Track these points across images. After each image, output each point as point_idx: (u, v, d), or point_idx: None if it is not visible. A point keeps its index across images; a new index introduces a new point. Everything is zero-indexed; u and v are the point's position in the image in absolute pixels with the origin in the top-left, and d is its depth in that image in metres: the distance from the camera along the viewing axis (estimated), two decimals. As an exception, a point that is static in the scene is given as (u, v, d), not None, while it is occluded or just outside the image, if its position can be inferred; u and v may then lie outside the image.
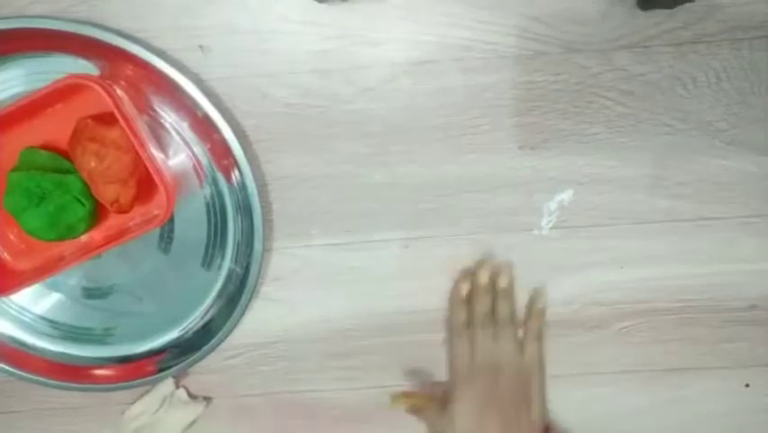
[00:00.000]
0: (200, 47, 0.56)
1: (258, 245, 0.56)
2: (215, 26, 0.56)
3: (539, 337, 0.59)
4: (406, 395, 0.59)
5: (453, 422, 0.55)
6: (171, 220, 0.58)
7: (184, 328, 0.60)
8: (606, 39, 0.56)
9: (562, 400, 0.60)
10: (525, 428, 0.56)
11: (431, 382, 0.61)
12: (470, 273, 0.59)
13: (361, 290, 0.60)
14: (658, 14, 0.55)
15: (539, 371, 0.58)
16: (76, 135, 0.53)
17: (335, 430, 0.63)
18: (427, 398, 0.58)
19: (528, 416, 0.56)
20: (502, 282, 0.59)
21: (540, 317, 0.59)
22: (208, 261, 0.59)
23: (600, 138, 0.57)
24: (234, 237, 0.58)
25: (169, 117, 0.57)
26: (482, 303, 0.58)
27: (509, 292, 0.59)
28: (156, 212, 0.56)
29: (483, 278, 0.59)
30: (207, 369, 0.61)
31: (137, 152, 0.52)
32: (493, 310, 0.58)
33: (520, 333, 0.58)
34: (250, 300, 0.58)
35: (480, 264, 0.59)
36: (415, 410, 0.58)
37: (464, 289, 0.59)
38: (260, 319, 0.60)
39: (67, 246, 0.57)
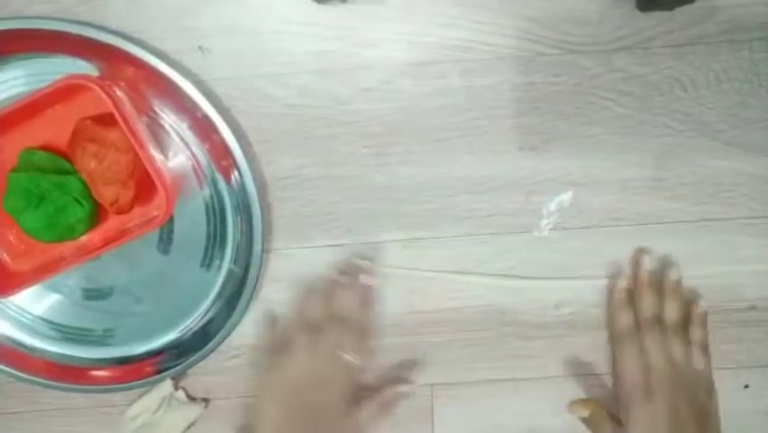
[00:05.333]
0: (200, 48, 0.56)
1: (257, 246, 0.56)
2: (215, 27, 0.56)
3: (707, 351, 0.55)
4: (587, 404, 0.56)
5: None
6: (171, 221, 0.58)
7: (183, 329, 0.60)
8: (605, 40, 0.56)
9: (562, 401, 0.60)
10: None
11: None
12: (628, 271, 0.56)
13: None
14: (658, 16, 0.55)
15: (713, 389, 0.54)
16: (75, 136, 0.53)
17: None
18: (605, 412, 0.55)
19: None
20: (672, 276, 0.54)
21: (704, 328, 0.55)
22: (208, 262, 0.59)
23: (600, 139, 0.57)
24: (234, 238, 0.58)
25: (169, 118, 0.57)
26: (648, 303, 0.54)
27: (678, 290, 0.55)
28: (155, 213, 0.56)
29: (645, 272, 0.54)
30: (207, 370, 0.61)
31: (136, 153, 0.52)
32: (659, 313, 0.55)
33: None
34: (249, 301, 0.58)
35: (639, 255, 0.55)
36: (591, 422, 0.56)
37: (624, 286, 0.55)
38: (260, 320, 0.60)
39: (66, 247, 0.57)
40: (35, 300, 0.60)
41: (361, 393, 0.55)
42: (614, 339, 0.57)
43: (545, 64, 0.56)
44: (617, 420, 0.55)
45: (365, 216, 0.59)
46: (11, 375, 0.60)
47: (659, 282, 0.57)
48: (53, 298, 0.60)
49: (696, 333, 0.56)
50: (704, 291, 0.59)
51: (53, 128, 0.55)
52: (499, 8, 0.55)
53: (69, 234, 0.55)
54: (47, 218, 0.53)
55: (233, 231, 0.58)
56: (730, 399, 0.60)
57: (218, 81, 0.57)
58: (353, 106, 0.57)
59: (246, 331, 0.60)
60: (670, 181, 0.58)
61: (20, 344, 0.61)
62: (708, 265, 0.59)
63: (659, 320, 0.55)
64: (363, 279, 0.57)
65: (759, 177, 0.58)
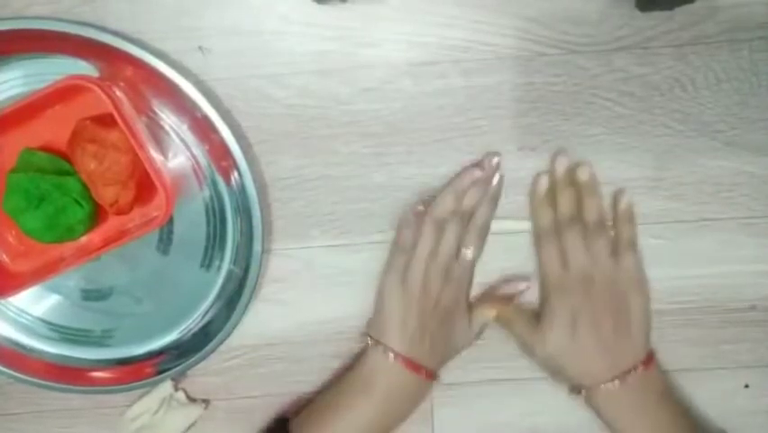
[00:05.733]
0: (200, 48, 0.56)
1: (257, 246, 0.56)
2: (215, 27, 0.56)
3: (633, 248, 0.55)
4: (494, 305, 0.57)
5: (545, 337, 0.54)
6: (170, 221, 0.58)
7: (183, 330, 0.60)
8: (605, 40, 0.56)
9: (562, 402, 0.60)
10: (623, 346, 0.53)
11: (518, 293, 0.58)
12: (546, 171, 0.56)
13: (360, 291, 0.59)
14: (657, 16, 0.55)
15: (639, 285, 0.55)
16: (75, 137, 0.53)
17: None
18: (517, 310, 0.57)
19: (627, 334, 0.54)
20: (582, 175, 0.55)
21: (630, 222, 0.56)
22: (207, 262, 0.59)
23: (600, 139, 0.57)
24: (234, 238, 0.58)
25: (169, 119, 0.57)
26: (566, 199, 0.55)
27: (594, 189, 0.56)
28: (155, 213, 0.56)
29: (560, 170, 0.56)
30: (206, 371, 0.61)
31: (136, 154, 0.52)
32: (578, 211, 0.55)
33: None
34: (249, 302, 0.57)
35: (554, 158, 0.56)
36: (503, 322, 0.57)
37: (543, 184, 0.56)
38: (260, 321, 0.60)
39: (66, 248, 0.57)
40: (35, 301, 0.60)
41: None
42: (536, 239, 0.58)
43: (545, 64, 0.56)
44: (533, 316, 0.56)
45: (365, 216, 0.59)
46: (10, 376, 0.60)
47: (575, 180, 0.56)
48: (53, 299, 0.60)
49: (621, 230, 0.56)
50: (704, 291, 0.59)
51: (53, 128, 0.55)
52: (499, 8, 0.55)
53: (69, 234, 0.55)
54: (47, 219, 0.53)
55: (233, 231, 0.58)
56: (730, 399, 0.60)
57: (218, 81, 0.57)
58: (353, 106, 0.57)
59: (246, 332, 0.60)
60: (669, 181, 0.58)
61: (19, 345, 0.61)
62: (708, 265, 0.59)
63: (579, 219, 0.56)
64: (492, 174, 0.57)
65: (759, 177, 0.58)
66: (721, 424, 0.60)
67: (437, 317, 0.55)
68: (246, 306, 0.57)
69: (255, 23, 0.56)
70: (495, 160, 0.57)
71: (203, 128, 0.56)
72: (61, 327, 0.61)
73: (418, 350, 0.55)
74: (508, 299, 0.58)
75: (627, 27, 0.55)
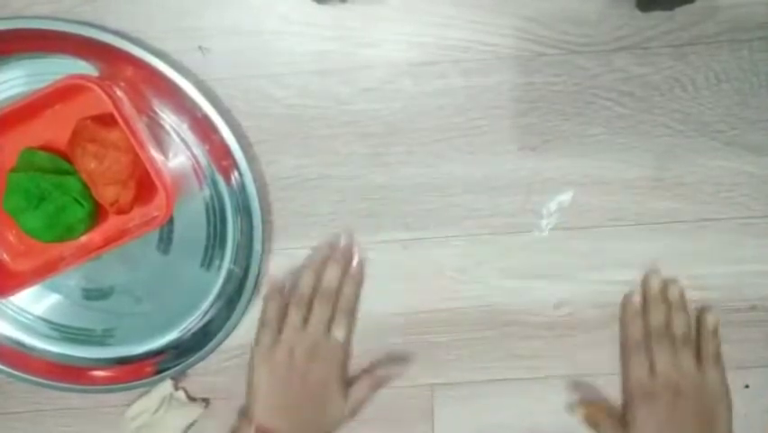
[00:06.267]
0: (200, 48, 0.56)
1: (257, 246, 0.56)
2: (215, 27, 0.56)
3: (719, 362, 0.57)
4: (585, 405, 0.59)
5: None
6: (171, 221, 0.58)
7: (183, 329, 0.60)
8: (605, 40, 0.56)
9: (562, 402, 0.60)
10: None
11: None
12: (640, 286, 0.59)
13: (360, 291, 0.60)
14: (657, 16, 0.55)
15: (724, 398, 0.56)
16: (75, 136, 0.53)
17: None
18: (605, 412, 0.58)
19: None
20: (673, 292, 0.58)
21: (716, 339, 0.57)
22: (207, 262, 0.59)
23: (600, 139, 0.57)
24: (234, 238, 0.58)
25: (169, 118, 0.57)
26: (657, 314, 0.57)
27: (683, 305, 0.58)
28: (155, 213, 0.56)
29: (654, 287, 0.58)
30: (206, 370, 0.61)
31: (136, 154, 0.52)
32: (667, 325, 0.57)
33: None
34: (249, 301, 0.58)
35: (648, 274, 0.58)
36: (591, 422, 0.58)
37: (636, 299, 0.58)
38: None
39: (66, 247, 0.57)
40: (35, 300, 0.60)
41: (352, 375, 0.59)
42: (624, 351, 0.59)
43: (545, 64, 0.56)
44: (620, 421, 0.56)
45: (365, 216, 0.59)
46: (11, 375, 0.60)
47: (666, 297, 0.58)
48: (53, 298, 0.60)
49: (706, 344, 0.57)
50: (704, 291, 0.59)
51: (53, 128, 0.55)
52: (499, 8, 0.55)
53: (69, 234, 0.55)
54: (47, 218, 0.53)
55: (233, 231, 0.58)
56: (730, 399, 0.60)
57: (218, 81, 0.57)
58: (353, 106, 0.57)
59: (246, 331, 0.60)
60: (670, 181, 0.58)
61: (20, 344, 0.61)
62: (708, 265, 0.59)
63: (668, 332, 0.57)
64: (351, 256, 0.59)
65: (759, 177, 0.58)
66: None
67: (305, 394, 0.56)
68: (246, 306, 0.58)
69: (255, 22, 0.56)
70: (352, 245, 0.59)
71: (203, 128, 0.56)
72: (62, 326, 0.61)
73: (281, 424, 0.55)
74: (598, 403, 0.59)
75: (627, 27, 0.55)
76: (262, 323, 0.57)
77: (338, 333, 0.57)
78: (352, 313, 0.58)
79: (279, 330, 0.56)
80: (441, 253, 0.59)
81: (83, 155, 0.52)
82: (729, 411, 0.56)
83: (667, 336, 0.57)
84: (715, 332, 0.58)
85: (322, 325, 0.57)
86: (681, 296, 0.58)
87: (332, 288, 0.57)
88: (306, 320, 0.56)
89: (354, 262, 0.59)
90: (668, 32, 0.55)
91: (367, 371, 0.59)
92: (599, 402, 0.59)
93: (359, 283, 0.59)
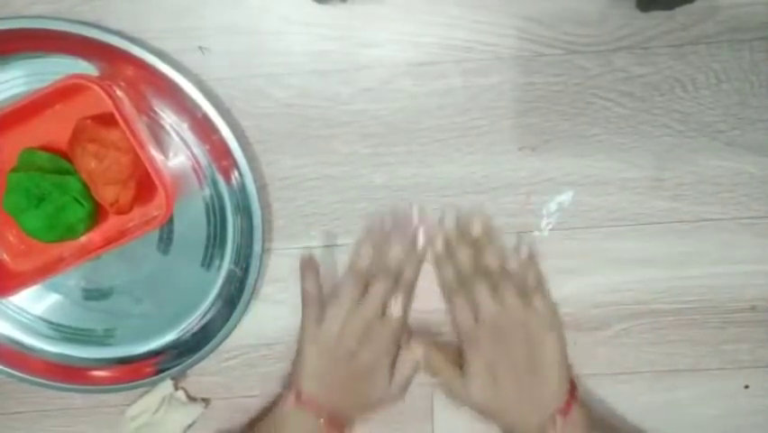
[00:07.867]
0: (200, 48, 0.56)
1: (257, 246, 0.56)
2: (215, 27, 0.56)
3: (540, 288, 0.56)
4: (421, 348, 0.57)
5: (468, 388, 0.54)
6: (171, 221, 0.58)
7: (183, 329, 0.60)
8: (605, 40, 0.56)
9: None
10: (544, 390, 0.54)
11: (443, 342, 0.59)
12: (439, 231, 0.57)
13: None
14: (658, 16, 0.55)
15: (551, 328, 0.55)
16: (75, 136, 0.53)
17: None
18: (443, 359, 0.56)
19: (545, 377, 0.54)
20: (474, 230, 0.56)
21: (534, 266, 0.56)
22: (207, 262, 0.59)
23: (600, 139, 0.57)
24: (234, 238, 0.58)
25: (169, 118, 0.57)
26: (462, 254, 0.55)
27: (490, 241, 0.56)
28: (155, 213, 0.56)
29: (453, 229, 0.56)
30: (206, 370, 0.61)
31: (136, 153, 0.52)
32: (479, 264, 0.55)
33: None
34: (249, 301, 0.58)
35: (441, 217, 0.57)
36: (430, 371, 0.57)
37: (438, 243, 0.57)
38: (260, 321, 0.60)
39: (66, 247, 0.57)
40: (35, 300, 0.60)
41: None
42: (445, 296, 0.58)
43: (545, 64, 0.56)
44: (459, 364, 0.56)
45: (365, 217, 0.59)
46: (11, 375, 0.60)
47: (469, 234, 0.57)
48: (53, 298, 0.60)
49: (526, 273, 0.56)
50: (704, 291, 0.59)
51: (53, 128, 0.55)
52: (499, 8, 0.55)
53: (69, 234, 0.55)
54: (47, 218, 0.53)
55: (233, 231, 0.58)
56: (730, 399, 0.60)
57: (218, 81, 0.57)
58: (353, 106, 0.57)
59: (246, 331, 0.60)
60: (670, 181, 0.58)
61: (20, 344, 0.61)
62: (708, 265, 0.59)
63: (481, 270, 0.56)
64: (418, 234, 0.57)
65: (759, 177, 0.58)
66: (721, 425, 0.60)
67: (353, 372, 0.55)
68: (246, 306, 0.58)
69: (255, 22, 0.56)
70: (419, 226, 0.57)
71: (203, 128, 0.56)
72: (62, 326, 0.61)
73: (329, 398, 0.54)
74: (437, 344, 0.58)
75: (628, 27, 0.55)
76: (304, 299, 0.56)
77: (396, 313, 0.55)
78: (410, 295, 0.57)
79: (323, 304, 0.55)
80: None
81: (83, 155, 0.52)
82: (558, 339, 0.55)
83: (482, 274, 0.55)
84: (531, 258, 0.56)
85: (378, 303, 0.54)
86: (486, 229, 0.56)
87: (396, 266, 0.56)
88: (361, 297, 0.55)
89: (420, 243, 0.57)
90: (668, 31, 0.55)
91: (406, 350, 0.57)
92: (438, 351, 0.57)
93: (421, 265, 0.58)
